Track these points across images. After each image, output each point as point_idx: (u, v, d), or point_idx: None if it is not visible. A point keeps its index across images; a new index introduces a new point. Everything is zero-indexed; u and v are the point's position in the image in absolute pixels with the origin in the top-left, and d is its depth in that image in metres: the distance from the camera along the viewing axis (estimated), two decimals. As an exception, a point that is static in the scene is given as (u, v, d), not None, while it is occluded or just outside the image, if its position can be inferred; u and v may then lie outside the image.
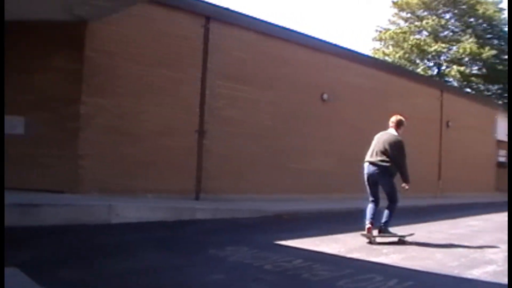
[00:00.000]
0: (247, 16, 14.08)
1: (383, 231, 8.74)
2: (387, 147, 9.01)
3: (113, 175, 10.98)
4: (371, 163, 9.11)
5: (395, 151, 8.99)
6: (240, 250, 7.01)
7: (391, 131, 9.45)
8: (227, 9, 13.52)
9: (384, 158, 8.94)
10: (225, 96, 13.25)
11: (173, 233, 8.70)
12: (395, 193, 9.01)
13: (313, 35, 16.45)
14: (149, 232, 8.55)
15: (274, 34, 14.68)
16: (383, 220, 8.84)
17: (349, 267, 6.20)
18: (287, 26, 15.36)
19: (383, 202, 9.06)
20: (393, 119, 9.74)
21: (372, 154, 9.20)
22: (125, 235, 8.12)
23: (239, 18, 13.81)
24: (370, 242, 8.37)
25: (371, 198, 9.12)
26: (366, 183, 9.22)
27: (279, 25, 15.00)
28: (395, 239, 8.72)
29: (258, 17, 14.44)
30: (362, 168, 9.34)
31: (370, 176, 9.12)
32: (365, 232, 8.51)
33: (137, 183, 11.34)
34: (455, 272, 6.27)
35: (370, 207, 8.98)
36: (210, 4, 13.10)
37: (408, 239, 8.82)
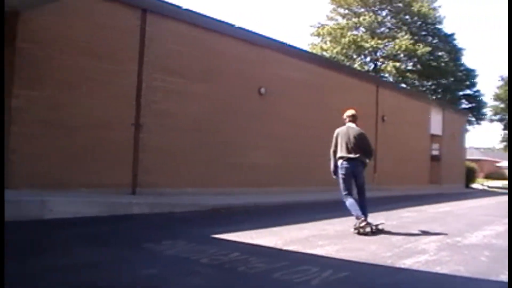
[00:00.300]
0: (184, 9, 13.95)
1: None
2: (359, 141, 9.41)
3: (46, 170, 10.68)
4: (351, 159, 9.36)
5: (366, 144, 9.55)
6: (176, 244, 6.96)
7: (352, 125, 9.81)
8: (164, 1, 13.38)
9: (360, 153, 9.33)
10: (162, 89, 13.11)
11: (109, 228, 8.54)
12: (365, 185, 9.46)
13: (251, 29, 16.46)
14: (84, 227, 8.38)
15: (211, 28, 14.60)
16: (367, 212, 9.17)
17: (285, 259, 6.23)
18: (225, 20, 15.33)
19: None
20: (350, 113, 10.16)
21: (349, 150, 9.42)
22: (58, 231, 7.93)
23: (176, 11, 13.67)
24: (366, 233, 8.76)
25: (346, 192, 9.38)
26: (343, 178, 9.41)
27: (216, 18, 14.93)
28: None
29: (195, 10, 14.34)
30: (333, 163, 9.77)
31: (351, 171, 9.38)
32: (362, 225, 8.86)
33: (71, 178, 11.08)
34: (389, 262, 6.40)
35: (353, 202, 9.22)
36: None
37: (343, 230, 9.07)
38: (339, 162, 9.53)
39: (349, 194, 9.37)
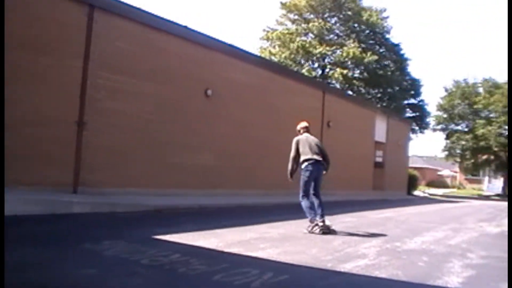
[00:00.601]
0: (132, 6, 13.80)
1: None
2: (321, 148, 10.27)
3: (-18, 167, 10.36)
4: (317, 161, 10.06)
5: (326, 152, 10.35)
6: (117, 244, 6.84)
7: (309, 135, 10.54)
8: (112, -2, 13.23)
9: (321, 158, 10.10)
10: (107, 88, 12.92)
11: (48, 227, 8.34)
12: None
13: (200, 30, 16.40)
14: (21, 226, 8.14)
15: (159, 27, 14.51)
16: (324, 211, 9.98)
17: (226, 261, 6.20)
18: (174, 20, 15.24)
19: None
20: (304, 125, 10.81)
21: (315, 155, 10.06)
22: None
23: (125, 9, 13.51)
24: (330, 232, 9.64)
25: (304, 194, 10.01)
26: (307, 179, 10.05)
27: (165, 18, 14.85)
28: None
29: (144, 9, 14.21)
30: (307, 166, 10.11)
31: (318, 174, 10.15)
32: (322, 225, 9.67)
33: (9, 175, 10.76)
34: (329, 265, 6.44)
35: (309, 205, 9.93)
36: (94, -9, 12.75)
37: (285, 233, 9.17)
38: (305, 164, 10.05)
39: (307, 196, 9.97)
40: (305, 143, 10.18)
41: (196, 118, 15.73)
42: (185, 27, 15.56)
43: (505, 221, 16.47)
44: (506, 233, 12.31)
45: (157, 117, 14.37)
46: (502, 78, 64.71)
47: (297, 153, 10.19)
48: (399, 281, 5.88)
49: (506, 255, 8.48)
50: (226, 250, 7.09)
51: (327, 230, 9.63)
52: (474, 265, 7.15)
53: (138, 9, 13.97)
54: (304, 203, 9.92)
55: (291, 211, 13.76)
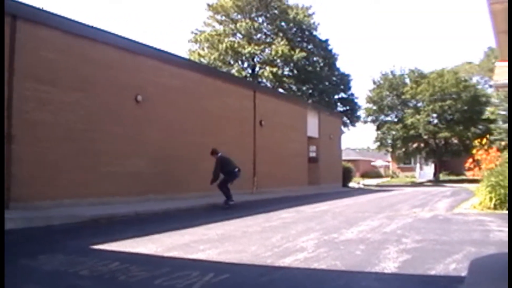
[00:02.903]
0: (56, 15, 13.55)
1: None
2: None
3: None
4: (239, 170, 16.91)
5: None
6: (54, 257, 6.75)
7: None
8: (35, 8, 12.92)
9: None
10: (34, 99, 12.62)
11: (-21, 246, 8.11)
12: None
13: (126, 36, 16.23)
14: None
15: (84, 34, 14.27)
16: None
17: (166, 265, 6.21)
18: (99, 27, 15.02)
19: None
20: (214, 149, 16.81)
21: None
22: None
23: (48, 17, 13.25)
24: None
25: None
26: (232, 180, 16.66)
27: (89, 25, 14.62)
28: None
29: (68, 16, 13.96)
30: (236, 171, 16.74)
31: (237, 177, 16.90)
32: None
33: None
34: (268, 261, 6.54)
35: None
36: (17, 1, 12.41)
37: (224, 234, 9.16)
38: (235, 170, 16.73)
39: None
40: (227, 160, 16.67)
41: (128, 124, 15.56)
42: (110, 32, 15.36)
43: (437, 205, 17.03)
44: (439, 217, 12.74)
45: (88, 126, 14.14)
46: (427, 68, 66.78)
47: (223, 167, 16.44)
48: (338, 270, 6.03)
49: (439, 237, 8.82)
50: (165, 254, 7.09)
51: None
52: (409, 250, 7.40)
53: (62, 17, 13.71)
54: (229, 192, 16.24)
55: (228, 212, 13.90)
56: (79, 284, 5.36)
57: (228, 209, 15.37)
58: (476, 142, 18.28)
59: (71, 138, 13.62)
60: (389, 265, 6.30)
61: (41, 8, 13.23)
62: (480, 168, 16.96)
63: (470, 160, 18.13)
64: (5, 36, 12.03)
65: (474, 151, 18.13)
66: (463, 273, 5.74)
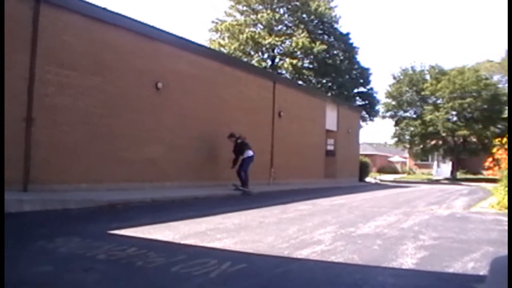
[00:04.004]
0: (80, 0, 13.56)
1: None
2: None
3: None
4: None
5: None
6: (71, 240, 6.75)
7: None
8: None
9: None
10: (55, 83, 12.66)
11: (-3, 227, 8.16)
12: None
13: (148, 22, 16.21)
14: (-30, 226, 7.96)
15: (107, 20, 14.26)
16: None
17: (183, 253, 6.20)
18: (121, 13, 15.02)
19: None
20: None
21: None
22: None
23: (71, 1, 13.26)
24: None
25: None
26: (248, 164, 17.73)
27: (112, 11, 14.62)
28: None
29: (91, 1, 13.96)
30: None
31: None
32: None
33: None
34: (285, 253, 6.51)
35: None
36: (39, -15, 12.46)
37: (241, 223, 9.15)
38: (251, 154, 17.90)
39: None
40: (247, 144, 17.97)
41: (146, 111, 15.57)
42: (132, 19, 15.36)
43: (455, 203, 16.90)
44: (456, 215, 12.64)
45: (106, 111, 14.17)
46: (448, 65, 66.18)
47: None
48: (355, 264, 5.99)
49: (456, 235, 8.74)
50: (182, 242, 7.09)
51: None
52: (427, 246, 7.33)
53: (85, 2, 13.72)
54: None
55: (244, 202, 13.91)
56: (97, 267, 5.37)
57: (243, 196, 16.03)
58: (497, 141, 18.10)
59: (90, 123, 13.66)
60: (407, 261, 6.25)
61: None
62: (499, 168, 16.80)
63: (490, 159, 17.97)
64: (28, 19, 12.10)
65: (494, 150, 17.96)
66: (481, 272, 5.67)
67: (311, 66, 45.67)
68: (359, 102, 47.72)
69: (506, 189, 14.27)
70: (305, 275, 5.57)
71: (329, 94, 41.43)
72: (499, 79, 53.78)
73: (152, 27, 16.24)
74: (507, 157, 16.32)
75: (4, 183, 11.04)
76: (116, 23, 14.60)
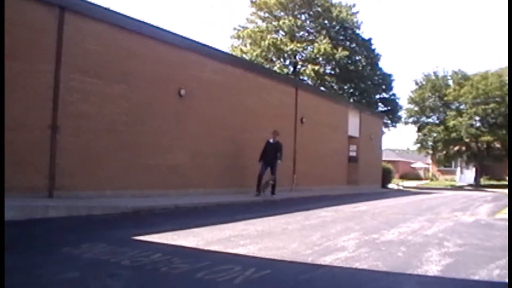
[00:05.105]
0: (103, 8, 13.71)
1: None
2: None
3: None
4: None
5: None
6: (96, 246, 6.80)
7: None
8: (83, 0, 13.09)
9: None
10: (79, 90, 12.79)
11: (24, 233, 8.22)
12: None
13: (171, 30, 16.32)
14: (-3, 233, 8.05)
15: (129, 28, 14.38)
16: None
17: (208, 259, 6.21)
18: (144, 21, 15.13)
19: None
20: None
21: None
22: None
23: (95, 10, 13.38)
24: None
25: None
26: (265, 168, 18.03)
27: (135, 19, 14.72)
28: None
29: (114, 10, 14.12)
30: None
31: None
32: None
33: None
34: (309, 259, 6.49)
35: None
36: (64, -6, 12.62)
37: (264, 230, 9.19)
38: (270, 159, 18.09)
39: None
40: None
41: (169, 118, 15.66)
42: (155, 27, 15.47)
43: (479, 210, 16.74)
44: (481, 222, 12.53)
45: (130, 119, 14.28)
46: (471, 70, 65.64)
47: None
48: (380, 271, 5.96)
49: (481, 242, 8.66)
50: (206, 248, 7.11)
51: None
52: (452, 253, 7.28)
53: (109, 10, 13.89)
54: None
55: (267, 209, 13.91)
56: (122, 273, 5.40)
57: (266, 202, 16.52)
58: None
59: (114, 130, 13.77)
60: (432, 268, 6.20)
61: (88, 0, 13.37)
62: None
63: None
64: (53, 27, 12.26)
65: (518, 156, 17.77)
66: (507, 280, 5.63)
67: (333, 72, 45.66)
68: (381, 108, 47.55)
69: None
70: (329, 282, 5.57)
71: (351, 100, 41.33)
72: (523, 83, 53.17)
73: (177, 35, 16.34)
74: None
75: (28, 188, 11.28)
76: (140, 31, 14.71)
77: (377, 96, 47.83)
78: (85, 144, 12.95)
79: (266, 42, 43.53)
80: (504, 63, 51.64)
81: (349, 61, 44.75)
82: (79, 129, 12.80)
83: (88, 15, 13.15)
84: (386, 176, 36.97)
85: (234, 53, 41.94)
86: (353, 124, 30.46)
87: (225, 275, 5.33)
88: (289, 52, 44.27)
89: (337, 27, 45.97)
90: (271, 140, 18.24)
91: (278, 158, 18.07)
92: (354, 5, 46.61)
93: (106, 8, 13.75)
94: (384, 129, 44.03)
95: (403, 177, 63.21)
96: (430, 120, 53.60)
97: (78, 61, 12.78)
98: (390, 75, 48.01)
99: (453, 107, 51.14)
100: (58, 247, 6.74)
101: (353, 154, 30.76)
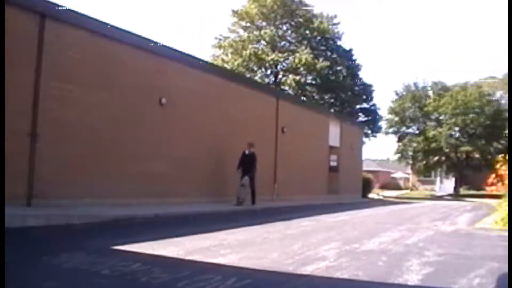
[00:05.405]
0: (84, 15, 13.63)
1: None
2: None
3: None
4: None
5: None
6: (76, 256, 6.73)
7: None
8: (64, 8, 13.00)
9: None
10: (59, 98, 12.68)
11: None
12: None
13: (152, 39, 16.29)
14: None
15: (111, 35, 14.32)
16: None
17: (188, 268, 6.18)
18: (126, 28, 15.07)
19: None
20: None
21: None
22: None
23: (76, 17, 13.31)
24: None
25: None
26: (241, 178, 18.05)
27: (117, 26, 14.67)
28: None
29: (96, 17, 14.05)
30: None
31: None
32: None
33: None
34: (290, 269, 6.48)
35: None
36: (45, 0, 12.53)
37: (245, 239, 9.11)
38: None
39: None
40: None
41: (150, 127, 15.60)
42: (137, 35, 15.42)
43: (459, 219, 16.87)
44: (460, 231, 12.62)
45: (111, 127, 14.20)
46: (451, 81, 66.23)
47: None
48: (361, 281, 5.97)
49: (461, 251, 8.73)
50: (187, 257, 7.06)
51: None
52: (432, 263, 7.31)
53: (90, 17, 13.79)
54: None
55: (248, 218, 13.89)
56: (101, 282, 5.36)
57: (247, 212, 16.47)
58: (500, 158, 18.10)
59: (94, 138, 13.67)
60: (412, 277, 6.22)
61: (69, 8, 13.29)
62: (503, 184, 16.78)
63: (493, 175, 17.97)
64: (33, 35, 12.16)
65: (497, 166, 17.94)
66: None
67: (314, 82, 45.82)
68: (362, 118, 47.79)
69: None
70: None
71: (332, 110, 41.48)
72: (502, 95, 53.89)
73: (158, 43, 16.30)
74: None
75: (6, 196, 11.12)
76: (121, 39, 14.66)
77: (358, 106, 48.06)
78: (65, 152, 12.83)
79: (248, 51, 43.57)
80: (483, 75, 52.29)
81: (330, 72, 44.95)
82: (59, 137, 12.69)
83: (69, 22, 13.07)
84: (367, 186, 37.14)
85: (215, 63, 41.94)
86: (334, 134, 30.58)
87: (205, 285, 5.30)
88: (271, 62, 44.35)
89: (318, 38, 46.16)
90: (246, 152, 18.31)
91: (253, 172, 18.17)
92: (335, 16, 46.92)
93: (86, 15, 13.66)
94: (365, 139, 44.25)
95: (384, 187, 63.51)
96: (410, 130, 54.17)
97: (58, 68, 12.69)
98: (370, 86, 48.32)
99: (433, 117, 51.68)
100: (37, 256, 6.68)
101: (333, 163, 30.86)
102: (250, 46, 44.59)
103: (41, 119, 12.19)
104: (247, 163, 18.10)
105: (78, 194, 13.00)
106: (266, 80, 44.69)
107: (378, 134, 50.98)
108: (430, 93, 52.73)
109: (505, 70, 55.08)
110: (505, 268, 6.84)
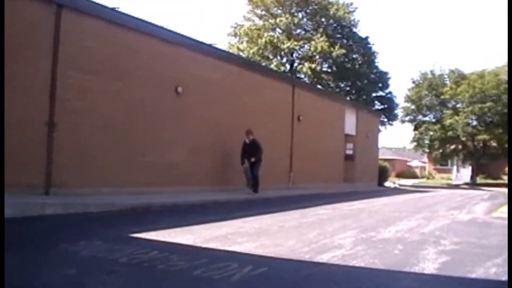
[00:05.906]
0: (100, 5, 13.65)
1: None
2: None
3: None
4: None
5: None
6: (93, 244, 6.79)
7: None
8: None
9: None
10: (77, 88, 12.74)
11: (21, 230, 8.19)
12: None
13: (168, 27, 16.28)
14: (-7, 230, 8.03)
15: (127, 25, 14.35)
16: None
17: (205, 256, 6.22)
18: (142, 18, 15.09)
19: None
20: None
21: None
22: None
23: (92, 7, 13.35)
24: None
25: None
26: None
27: (133, 16, 14.70)
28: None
29: (112, 7, 14.07)
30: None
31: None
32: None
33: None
34: (306, 257, 6.51)
35: None
36: (62, -10, 12.58)
37: (261, 227, 9.23)
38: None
39: None
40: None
41: (166, 115, 15.63)
42: (152, 24, 15.43)
43: (475, 208, 16.77)
44: (477, 220, 12.56)
45: (128, 116, 14.25)
46: (468, 68, 65.61)
47: None
48: (377, 269, 5.97)
49: (478, 240, 8.69)
50: (204, 245, 7.11)
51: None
52: (448, 251, 7.29)
53: (106, 7, 13.82)
54: None
55: (264, 206, 13.90)
56: (119, 270, 5.41)
57: (263, 200, 16.53)
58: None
59: (111, 127, 13.74)
60: (428, 266, 6.22)
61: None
62: (520, 172, 16.65)
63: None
64: (50, 25, 12.21)
65: (515, 154, 17.79)
66: (504, 278, 5.65)
67: (330, 70, 45.64)
68: (378, 106, 47.54)
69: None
70: (327, 279, 5.58)
71: (348, 98, 41.31)
72: (520, 82, 53.28)
73: (173, 32, 16.32)
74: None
75: (25, 185, 11.24)
76: (137, 28, 14.68)
77: (374, 94, 47.80)
78: (82, 141, 12.91)
79: (263, 39, 43.46)
80: (501, 62, 51.71)
81: (346, 59, 44.74)
82: (76, 126, 12.76)
83: (85, 12, 13.11)
84: (383, 174, 37.00)
85: (231, 51, 41.87)
86: (350, 122, 30.48)
87: (222, 273, 5.34)
88: (286, 50, 44.22)
89: (334, 25, 45.94)
90: (246, 141, 17.86)
91: (257, 158, 17.72)
92: (351, 3, 46.60)
93: (103, 5, 13.69)
94: (381, 127, 44.06)
95: (400, 175, 63.30)
96: (426, 118, 53.71)
97: (75, 58, 12.74)
98: (386, 73, 48.01)
99: (450, 105, 51.23)
100: (56, 244, 6.75)
101: (349, 152, 30.78)
102: (265, 34, 44.48)
103: (58, 109, 12.25)
104: (250, 152, 17.73)
105: (95, 183, 13.09)
106: (282, 68, 44.57)
107: (394, 122, 50.79)
108: (447, 81, 52.24)
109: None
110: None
